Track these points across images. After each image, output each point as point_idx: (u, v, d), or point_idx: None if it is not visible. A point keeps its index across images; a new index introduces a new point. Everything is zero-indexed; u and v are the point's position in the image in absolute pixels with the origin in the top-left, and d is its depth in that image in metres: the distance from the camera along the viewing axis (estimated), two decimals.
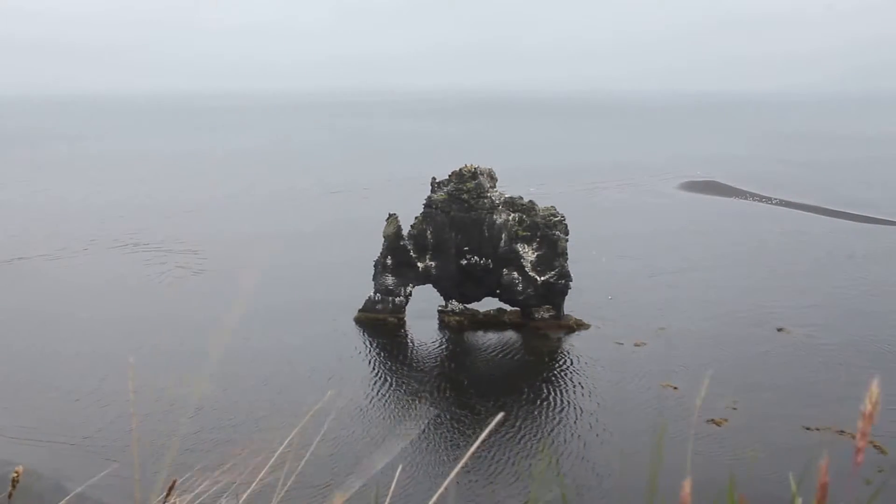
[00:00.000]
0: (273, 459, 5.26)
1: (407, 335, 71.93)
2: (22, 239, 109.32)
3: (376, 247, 76.97)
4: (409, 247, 74.78)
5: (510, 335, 71.66)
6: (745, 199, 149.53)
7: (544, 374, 62.33)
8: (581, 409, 55.52)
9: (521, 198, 77.34)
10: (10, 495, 4.65)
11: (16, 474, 4.75)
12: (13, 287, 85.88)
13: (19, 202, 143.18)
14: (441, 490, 4.78)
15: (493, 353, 67.71)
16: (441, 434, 51.59)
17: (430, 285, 76.07)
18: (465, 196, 75.38)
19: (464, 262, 74.51)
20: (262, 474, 5.22)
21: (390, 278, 74.48)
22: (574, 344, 68.92)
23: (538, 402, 56.52)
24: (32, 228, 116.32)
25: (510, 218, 74.75)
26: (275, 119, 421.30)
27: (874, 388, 2.90)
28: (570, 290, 73.85)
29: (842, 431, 49.15)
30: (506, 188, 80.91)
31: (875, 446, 47.05)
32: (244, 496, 5.12)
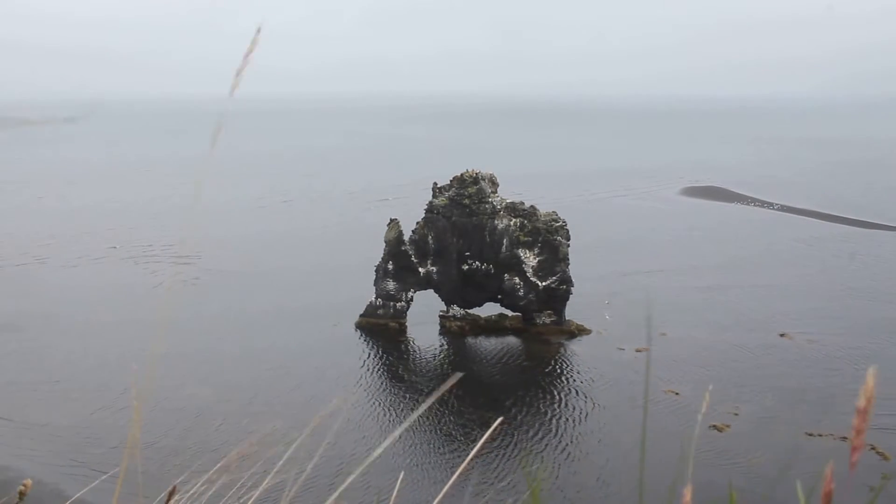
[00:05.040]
0: (277, 467, 5.25)
1: (408, 340, 71.92)
2: (40, 242, 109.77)
3: (378, 251, 77.03)
4: (410, 252, 74.81)
5: (511, 340, 71.62)
6: (747, 204, 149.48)
7: (545, 380, 62.27)
8: (582, 414, 55.44)
9: (522, 203, 77.36)
10: None
11: (24, 487, 4.75)
12: (29, 290, 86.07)
13: (36, 205, 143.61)
14: (441, 495, 4.77)
15: (494, 359, 67.66)
16: (441, 439, 51.51)
17: (432, 290, 76.09)
18: (466, 201, 75.42)
19: (465, 267, 74.51)
20: (266, 482, 5.22)
21: (391, 283, 74.50)
22: (575, 349, 68.85)
23: (539, 407, 56.43)
24: (49, 232, 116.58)
25: (511, 223, 74.77)
26: (289, 122, 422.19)
27: (870, 379, 2.69)
28: (571, 296, 73.83)
29: (845, 438, 48.99)
30: (507, 194, 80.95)
31: (878, 452, 46.95)
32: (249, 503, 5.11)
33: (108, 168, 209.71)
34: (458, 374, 5.28)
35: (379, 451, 4.01)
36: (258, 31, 3.54)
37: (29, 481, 4.78)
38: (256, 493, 5.31)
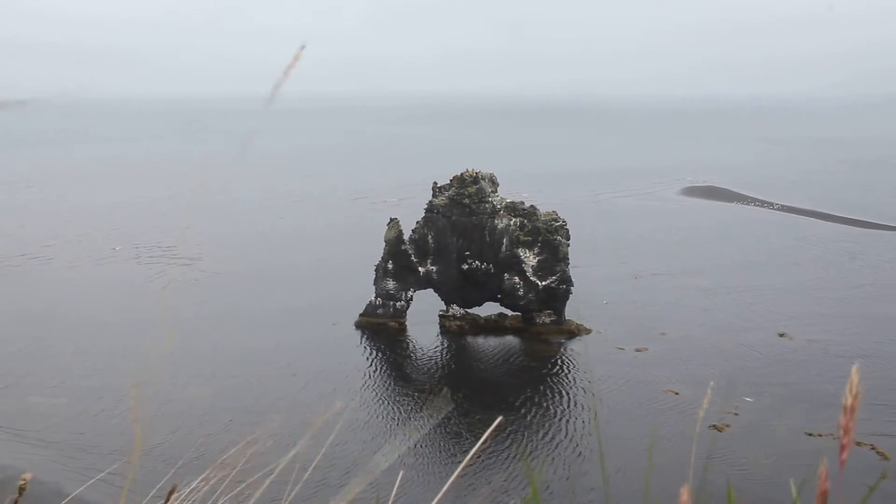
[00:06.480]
0: (279, 469, 5.28)
1: (408, 340, 71.95)
2: (44, 242, 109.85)
3: (377, 251, 77.06)
4: (410, 251, 74.84)
5: (511, 340, 71.63)
6: (747, 204, 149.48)
7: (545, 380, 62.28)
8: (582, 414, 55.45)
9: (522, 203, 77.40)
10: (15, 502, 4.66)
11: (23, 482, 4.76)
12: (32, 291, 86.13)
13: (39, 205, 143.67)
14: (441, 494, 4.81)
15: (494, 358, 67.68)
16: (441, 439, 51.56)
17: (432, 290, 76.11)
18: (466, 201, 75.45)
19: (465, 266, 74.53)
20: (267, 483, 5.25)
21: (391, 283, 74.53)
22: (575, 349, 68.87)
23: (539, 407, 56.45)
24: (52, 232, 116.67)
25: (511, 223, 74.80)
26: (289, 122, 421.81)
27: (854, 377, 2.64)
28: (571, 295, 73.84)
29: None
30: (507, 194, 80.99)
31: (878, 452, 46.97)
32: None
33: (111, 168, 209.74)
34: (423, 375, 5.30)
35: (377, 456, 4.05)
36: (302, 47, 3.49)
37: (28, 475, 4.80)
38: (258, 493, 5.35)
